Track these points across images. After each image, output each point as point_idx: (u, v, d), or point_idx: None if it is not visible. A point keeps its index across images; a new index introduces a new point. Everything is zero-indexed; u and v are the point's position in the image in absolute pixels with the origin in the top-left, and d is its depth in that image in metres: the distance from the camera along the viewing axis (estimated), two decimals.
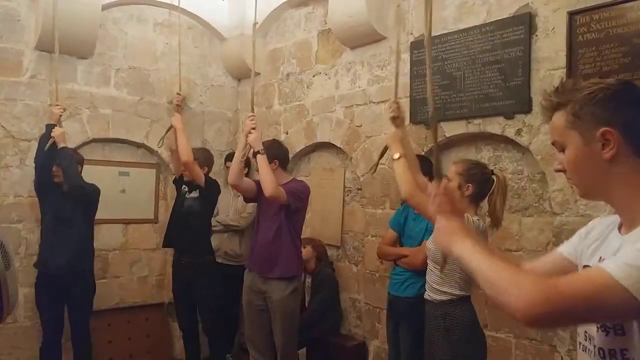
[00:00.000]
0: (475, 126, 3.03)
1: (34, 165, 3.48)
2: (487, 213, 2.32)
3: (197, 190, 3.66)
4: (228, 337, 4.26)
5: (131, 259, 4.30)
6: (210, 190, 3.70)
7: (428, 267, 2.38)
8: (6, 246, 1.92)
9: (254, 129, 2.98)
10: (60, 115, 3.40)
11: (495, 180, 2.28)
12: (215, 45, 4.74)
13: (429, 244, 2.40)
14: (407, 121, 3.34)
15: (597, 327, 1.00)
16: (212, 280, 3.66)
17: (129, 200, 4.26)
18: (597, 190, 1.04)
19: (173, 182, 3.94)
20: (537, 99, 2.73)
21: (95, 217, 3.62)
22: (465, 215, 2.18)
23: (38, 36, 3.70)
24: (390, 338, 3.08)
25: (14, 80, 3.72)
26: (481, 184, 2.27)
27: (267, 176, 2.88)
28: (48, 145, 3.31)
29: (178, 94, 3.87)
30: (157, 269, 4.41)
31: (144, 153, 4.39)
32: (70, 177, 3.32)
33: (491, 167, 2.99)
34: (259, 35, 4.44)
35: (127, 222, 4.27)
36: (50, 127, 3.37)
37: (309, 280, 3.87)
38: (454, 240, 1.07)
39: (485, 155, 3.07)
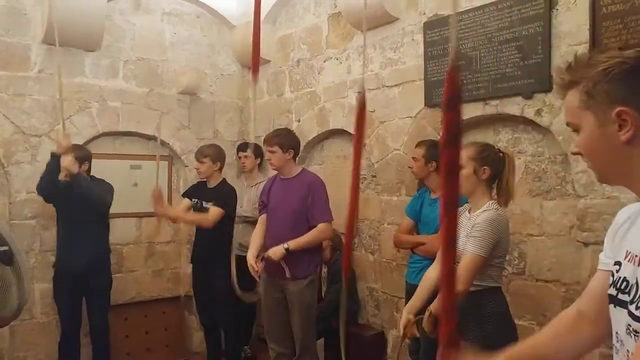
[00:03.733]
0: (492, 107, 2.91)
1: (36, 191, 3.46)
2: (494, 193, 2.23)
3: (213, 202, 3.60)
4: (245, 329, 4.24)
5: (146, 252, 4.28)
6: (228, 204, 3.63)
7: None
8: (10, 244, 1.93)
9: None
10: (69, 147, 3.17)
11: (505, 158, 2.21)
12: (224, 33, 4.66)
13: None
14: (422, 104, 3.25)
15: (628, 331, 0.92)
16: (228, 274, 3.62)
17: (141, 193, 4.19)
18: (616, 175, 0.96)
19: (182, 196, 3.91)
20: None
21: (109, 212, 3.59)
22: (491, 205, 2.10)
23: (44, 30, 3.66)
24: None
25: (22, 75, 3.70)
26: (495, 164, 2.20)
27: (316, 240, 3.04)
28: (61, 178, 3.17)
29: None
30: (172, 262, 4.39)
31: (156, 145, 4.33)
32: (94, 200, 3.31)
33: (511, 149, 2.91)
34: (267, 22, 4.36)
35: (140, 215, 4.24)
36: (56, 158, 3.14)
37: (324, 270, 3.81)
38: None
39: (503, 137, 2.96)
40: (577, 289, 2.55)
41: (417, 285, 2.86)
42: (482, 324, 2.12)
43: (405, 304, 3.01)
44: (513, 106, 2.81)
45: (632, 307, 0.90)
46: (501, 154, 2.23)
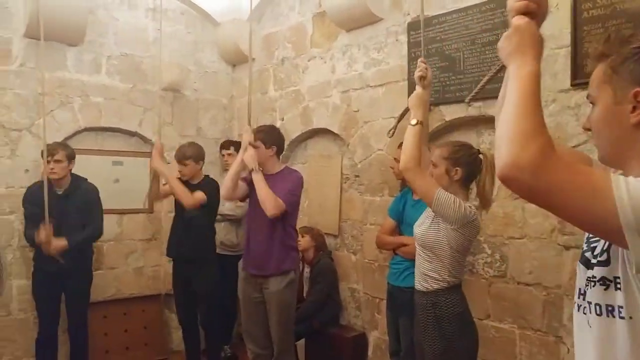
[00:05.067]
0: (475, 109, 2.91)
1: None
2: (475, 196, 2.22)
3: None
4: (225, 329, 4.21)
5: (127, 249, 4.23)
6: (212, 195, 3.58)
7: (416, 252, 2.29)
8: None
9: (252, 144, 2.88)
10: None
11: (482, 159, 2.18)
12: (208, 30, 4.62)
13: (416, 228, 2.31)
14: (406, 105, 3.23)
15: (594, 282, 0.93)
16: (210, 273, 3.59)
17: (123, 190, 4.18)
18: (617, 156, 0.95)
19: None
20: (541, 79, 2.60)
21: None
22: (457, 198, 2.09)
23: (26, 23, 3.60)
24: (390, 329, 3.00)
25: (3, 69, 3.63)
26: (470, 165, 2.17)
27: (266, 196, 2.79)
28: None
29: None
30: (153, 260, 4.34)
31: (138, 142, 4.30)
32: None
33: (493, 151, 2.91)
34: (252, 20, 4.32)
35: (121, 212, 4.19)
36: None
37: (307, 270, 3.79)
38: (515, 56, 0.93)
39: (486, 139, 2.96)
40: (558, 292, 2.56)
41: (399, 287, 2.86)
42: (441, 324, 2.12)
43: (387, 306, 3.02)
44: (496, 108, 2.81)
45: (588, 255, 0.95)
46: (480, 155, 2.21)
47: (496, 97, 2.78)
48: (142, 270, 4.28)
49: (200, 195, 3.47)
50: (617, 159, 0.95)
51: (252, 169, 2.84)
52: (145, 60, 4.24)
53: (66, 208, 3.30)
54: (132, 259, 4.25)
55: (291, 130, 4.07)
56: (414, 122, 2.06)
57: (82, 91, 3.96)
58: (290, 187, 2.95)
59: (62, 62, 3.86)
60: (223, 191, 3.05)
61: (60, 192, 3.33)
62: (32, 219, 3.25)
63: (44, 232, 3.10)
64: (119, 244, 4.19)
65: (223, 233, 4.07)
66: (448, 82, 3.03)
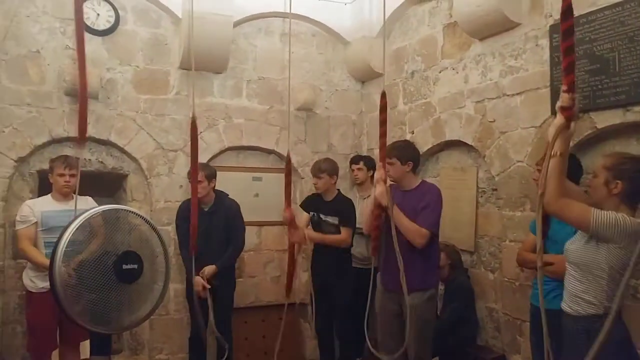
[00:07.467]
0: (635, 114, 2.60)
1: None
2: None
3: (337, 218, 3.72)
4: (359, 341, 4.24)
5: (265, 259, 4.52)
6: (350, 217, 3.73)
7: (567, 272, 2.09)
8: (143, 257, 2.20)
9: (383, 180, 2.79)
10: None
11: None
12: (338, 49, 4.79)
13: (569, 244, 2.12)
14: (548, 113, 3.02)
15: None
16: (348, 285, 3.68)
17: (262, 203, 4.48)
18: None
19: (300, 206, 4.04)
20: None
21: None
22: (618, 214, 1.89)
23: (181, 57, 4.09)
24: (535, 354, 2.79)
25: (162, 97, 4.16)
26: (635, 181, 1.94)
27: (408, 229, 2.81)
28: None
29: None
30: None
31: (275, 159, 4.60)
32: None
33: None
34: (381, 36, 4.38)
35: (260, 224, 4.50)
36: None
37: (442, 287, 3.68)
38: None
39: None
40: None
41: (545, 310, 2.64)
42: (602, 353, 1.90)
43: (531, 329, 2.81)
44: None
45: None
46: None
47: None
48: (278, 279, 4.53)
49: (349, 234, 3.68)
50: None
51: (386, 206, 2.77)
52: (280, 82, 4.52)
53: (211, 224, 3.60)
54: (270, 268, 4.53)
55: (422, 143, 4.02)
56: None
57: (226, 114, 4.36)
58: (433, 208, 2.91)
59: (209, 89, 4.30)
60: (365, 227, 3.19)
61: (206, 209, 3.65)
62: (185, 237, 3.52)
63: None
64: (257, 254, 4.49)
65: (354, 247, 4.13)
66: (600, 86, 2.75)
